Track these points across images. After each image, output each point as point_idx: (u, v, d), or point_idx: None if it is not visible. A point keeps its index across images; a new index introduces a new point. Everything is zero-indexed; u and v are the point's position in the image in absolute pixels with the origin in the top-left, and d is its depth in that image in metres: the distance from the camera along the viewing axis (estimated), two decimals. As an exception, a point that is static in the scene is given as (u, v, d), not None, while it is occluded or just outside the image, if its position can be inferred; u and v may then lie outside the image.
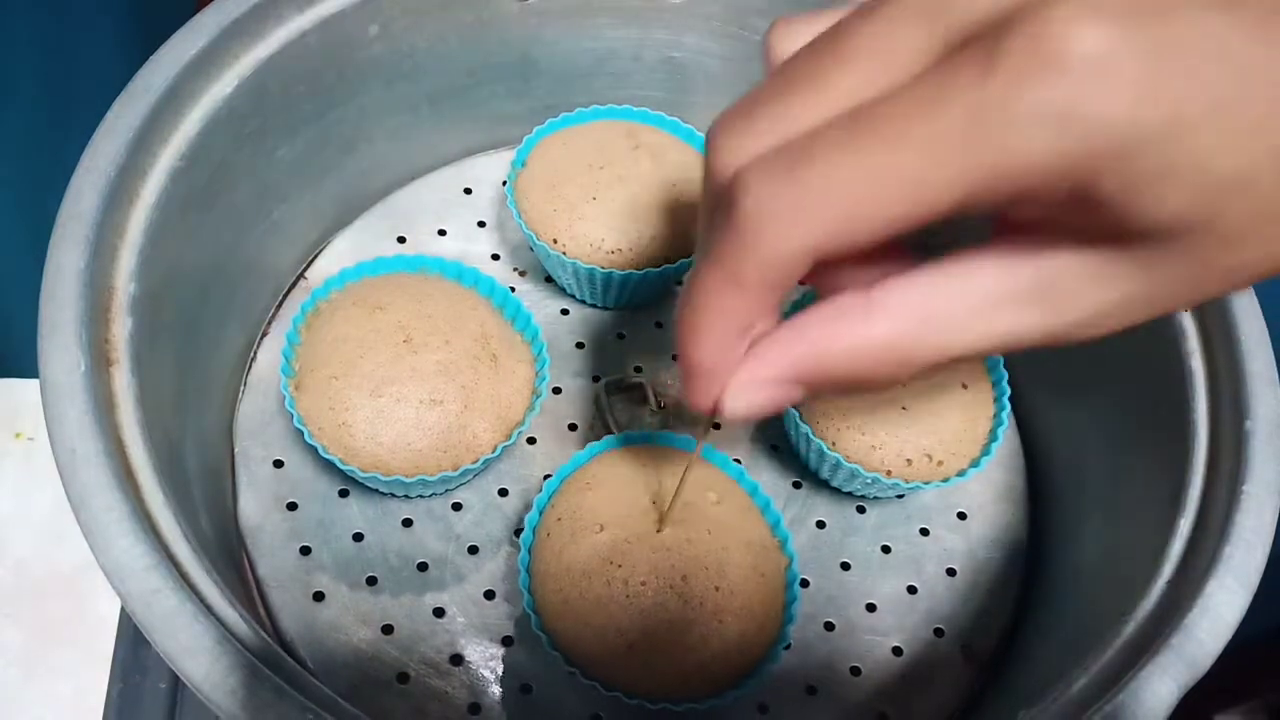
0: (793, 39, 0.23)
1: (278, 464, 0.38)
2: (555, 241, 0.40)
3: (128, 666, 0.45)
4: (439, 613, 0.36)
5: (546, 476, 0.38)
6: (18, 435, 0.76)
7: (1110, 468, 0.37)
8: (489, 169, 0.46)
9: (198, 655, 0.24)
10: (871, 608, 0.38)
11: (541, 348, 0.37)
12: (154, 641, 0.25)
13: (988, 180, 0.18)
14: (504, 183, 0.44)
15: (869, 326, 0.21)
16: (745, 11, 0.43)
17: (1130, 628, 0.29)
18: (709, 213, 0.22)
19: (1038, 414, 0.42)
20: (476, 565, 0.37)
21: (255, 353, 0.40)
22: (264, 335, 0.41)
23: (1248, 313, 0.33)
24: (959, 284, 0.20)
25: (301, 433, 0.34)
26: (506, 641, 0.35)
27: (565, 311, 0.43)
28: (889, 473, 0.36)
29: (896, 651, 0.37)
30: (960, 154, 0.17)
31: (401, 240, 0.44)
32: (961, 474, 0.37)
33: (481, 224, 0.45)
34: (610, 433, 0.40)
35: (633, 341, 0.43)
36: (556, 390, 0.41)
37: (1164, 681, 0.27)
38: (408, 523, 0.37)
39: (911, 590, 0.38)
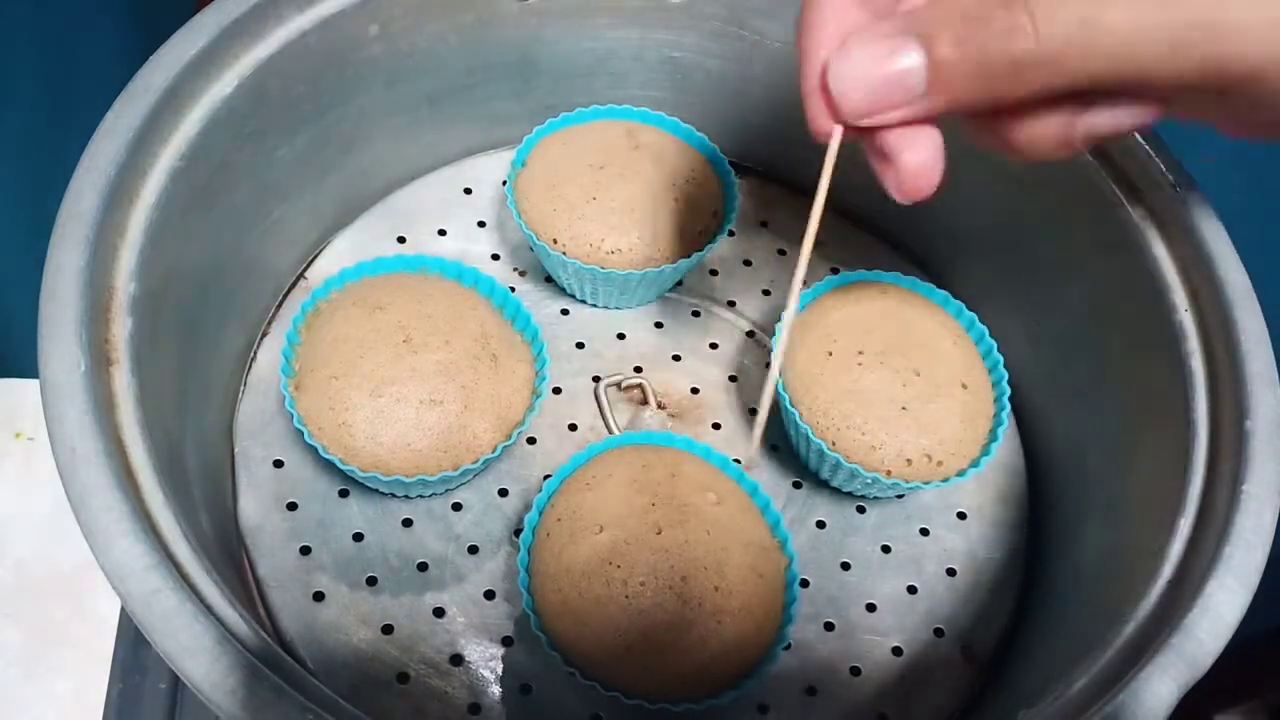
0: None
1: (278, 464, 0.38)
2: (555, 241, 0.40)
3: (128, 666, 0.45)
4: (439, 613, 0.36)
5: (546, 476, 0.38)
6: (18, 435, 0.76)
7: (1110, 468, 0.37)
8: (489, 169, 0.46)
9: (198, 655, 0.24)
10: (871, 608, 0.38)
11: (541, 348, 0.37)
12: (154, 641, 0.25)
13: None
14: (504, 183, 0.44)
15: (1033, 21, 0.22)
16: (745, 11, 0.43)
17: (1130, 628, 0.29)
18: None
19: (1037, 414, 0.42)
20: (476, 565, 0.37)
21: (255, 353, 0.40)
22: (264, 335, 0.41)
23: (1248, 313, 0.33)
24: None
25: (301, 433, 0.34)
26: (506, 641, 0.35)
27: (565, 311, 0.43)
28: (889, 473, 0.36)
29: (896, 651, 0.37)
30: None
31: (401, 240, 0.44)
32: (961, 474, 0.37)
33: (481, 224, 0.45)
34: (610, 433, 0.40)
35: (633, 341, 0.43)
36: (556, 390, 0.41)
37: (1164, 681, 0.27)
38: (408, 523, 0.37)
39: (911, 590, 0.38)
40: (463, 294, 0.38)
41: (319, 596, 0.35)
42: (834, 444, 0.37)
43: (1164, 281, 0.35)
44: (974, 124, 0.26)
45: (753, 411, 0.42)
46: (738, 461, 0.36)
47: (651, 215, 0.40)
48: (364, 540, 0.37)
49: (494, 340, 0.36)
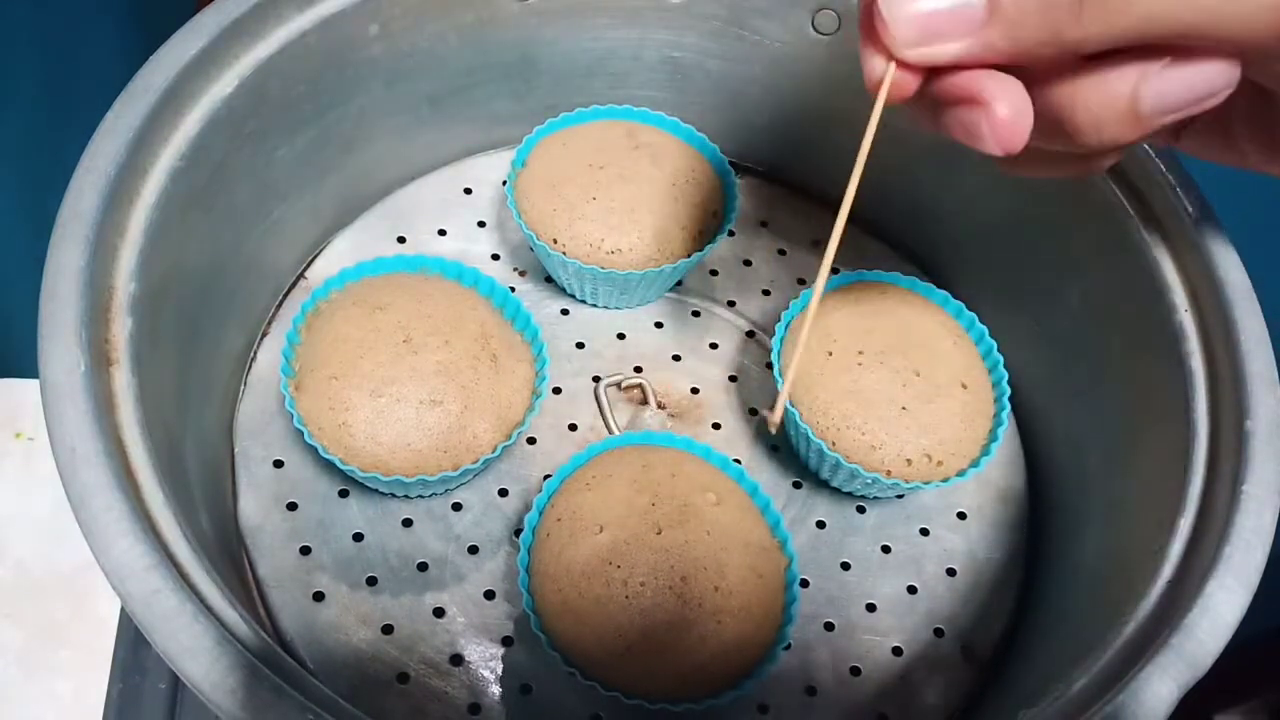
0: None
1: (278, 464, 0.38)
2: (555, 241, 0.40)
3: (128, 666, 0.45)
4: (439, 613, 0.36)
5: (546, 476, 0.38)
6: (18, 435, 0.76)
7: (1110, 468, 0.37)
8: (489, 169, 0.46)
9: (198, 655, 0.24)
10: (871, 608, 0.38)
11: (541, 348, 0.37)
12: (154, 641, 0.25)
13: None
14: (504, 183, 0.44)
15: None
16: (745, 12, 0.43)
17: (1130, 628, 0.29)
18: None
19: (1037, 414, 0.42)
20: (476, 565, 0.37)
21: (255, 353, 0.40)
22: (264, 335, 0.41)
23: (1248, 313, 0.33)
24: None
25: (301, 433, 0.34)
26: (506, 641, 0.35)
27: (565, 311, 0.43)
28: (889, 473, 0.36)
29: (896, 651, 0.37)
30: None
31: (401, 240, 0.44)
32: (961, 474, 0.37)
33: (481, 224, 0.45)
34: (610, 433, 0.40)
35: (633, 341, 0.43)
36: (556, 390, 0.41)
37: (1164, 681, 0.27)
38: (408, 523, 0.37)
39: (911, 590, 0.39)
40: (463, 294, 0.38)
41: (319, 596, 0.35)
42: (834, 444, 0.37)
43: (1164, 281, 0.35)
44: (1035, 103, 0.24)
45: (753, 411, 0.42)
46: (738, 461, 0.36)
47: (651, 215, 0.40)
48: (364, 540, 0.37)
49: (494, 340, 0.36)
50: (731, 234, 0.46)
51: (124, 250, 0.31)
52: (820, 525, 0.39)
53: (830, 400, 0.37)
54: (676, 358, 0.43)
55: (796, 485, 0.40)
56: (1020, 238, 0.42)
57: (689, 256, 0.41)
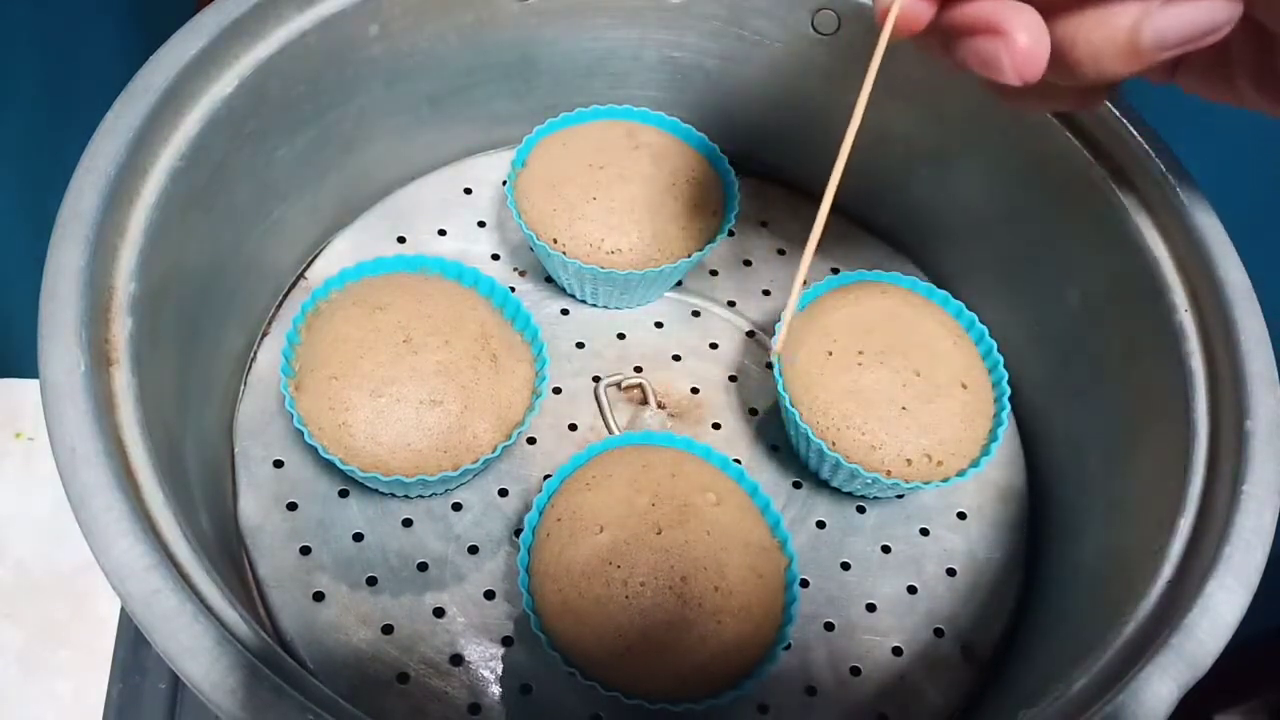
0: None
1: (278, 464, 0.38)
2: (555, 241, 0.40)
3: (128, 666, 0.45)
4: (439, 613, 0.36)
5: (546, 476, 0.38)
6: (18, 435, 0.76)
7: (1110, 468, 0.37)
8: (489, 169, 0.46)
9: (198, 655, 0.24)
10: (871, 608, 0.38)
11: (541, 348, 0.37)
12: (154, 641, 0.25)
13: None
14: (504, 183, 0.44)
15: None
16: (745, 12, 0.43)
17: (1130, 628, 0.29)
18: None
19: (1037, 414, 0.42)
20: (476, 565, 0.37)
21: (255, 353, 0.40)
22: (264, 335, 0.41)
23: (1248, 313, 0.33)
24: None
25: (301, 433, 0.34)
26: (506, 641, 0.35)
27: (565, 311, 0.43)
28: (889, 473, 0.36)
29: (896, 651, 0.37)
30: None
31: (401, 240, 0.44)
32: (961, 474, 0.37)
33: (481, 224, 0.45)
34: (610, 433, 0.40)
35: (633, 341, 0.43)
36: (556, 390, 0.41)
37: (1164, 681, 0.27)
38: (408, 523, 0.37)
39: (911, 590, 0.39)
40: (463, 294, 0.38)
41: (319, 596, 0.35)
42: (834, 444, 0.37)
43: (1164, 281, 0.35)
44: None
45: (753, 411, 0.42)
46: (738, 461, 0.36)
47: (651, 215, 0.40)
48: (364, 540, 0.37)
49: (494, 340, 0.36)
50: (731, 234, 0.46)
51: (124, 250, 0.31)
52: (820, 525, 0.39)
53: (830, 400, 0.37)
54: (676, 358, 0.43)
55: (796, 485, 0.40)
56: (1021, 238, 0.42)
57: (689, 256, 0.41)
